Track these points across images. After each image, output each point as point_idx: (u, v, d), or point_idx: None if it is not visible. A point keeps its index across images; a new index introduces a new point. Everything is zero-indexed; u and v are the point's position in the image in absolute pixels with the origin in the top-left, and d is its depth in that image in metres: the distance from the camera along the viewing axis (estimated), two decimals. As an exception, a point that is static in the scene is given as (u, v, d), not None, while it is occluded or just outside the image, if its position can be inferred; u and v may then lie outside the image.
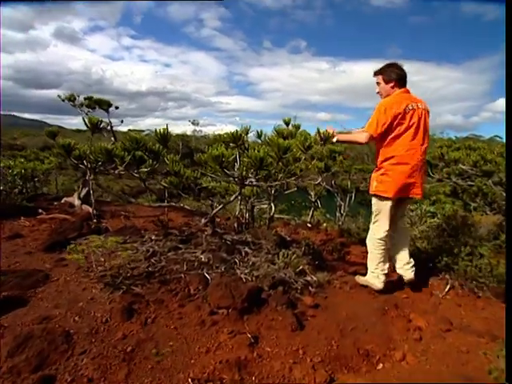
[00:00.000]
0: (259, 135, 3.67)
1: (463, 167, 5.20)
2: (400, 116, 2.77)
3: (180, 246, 3.42)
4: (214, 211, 3.36)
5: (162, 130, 2.83)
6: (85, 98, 5.43)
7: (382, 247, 3.00)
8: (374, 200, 3.01)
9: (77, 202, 5.29)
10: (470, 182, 5.63)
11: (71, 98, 5.30)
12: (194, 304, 2.45)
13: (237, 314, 2.35)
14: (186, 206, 4.03)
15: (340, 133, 3.09)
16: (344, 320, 2.54)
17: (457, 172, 5.35)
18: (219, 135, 3.78)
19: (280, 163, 2.84)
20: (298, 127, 3.50)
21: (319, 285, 3.08)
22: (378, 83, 3.02)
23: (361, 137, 2.90)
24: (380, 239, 2.98)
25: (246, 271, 3.00)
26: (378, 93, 3.05)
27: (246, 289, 2.47)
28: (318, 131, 2.93)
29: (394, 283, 3.17)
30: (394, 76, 2.90)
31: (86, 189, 5.22)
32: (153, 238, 3.65)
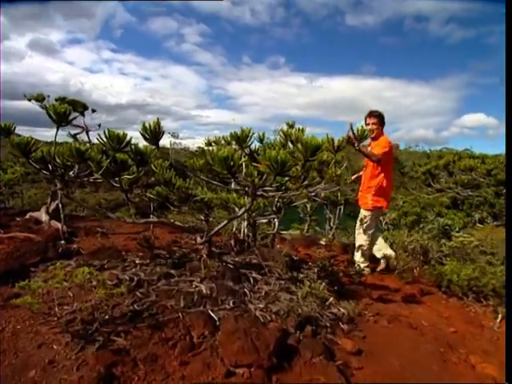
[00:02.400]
0: (261, 139, 3.04)
1: (475, 176, 4.72)
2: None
3: (172, 272, 2.65)
4: (217, 228, 2.62)
5: (152, 125, 2.10)
6: (56, 99, 4.60)
7: None
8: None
9: (44, 218, 4.38)
10: (470, 193, 5.19)
11: (39, 98, 4.44)
12: (200, 360, 1.70)
13: (263, 373, 1.62)
14: (177, 222, 3.28)
15: None
16: (399, 372, 1.86)
17: (465, 181, 4.89)
18: (221, 136, 3.11)
19: (304, 168, 2.19)
20: (303, 131, 2.88)
21: (350, 319, 2.40)
22: (374, 124, 3.53)
23: (375, 155, 3.37)
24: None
25: (261, 305, 2.28)
26: (370, 130, 3.37)
27: (273, 337, 1.74)
28: (352, 129, 2.37)
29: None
30: (383, 122, 3.61)
31: (56, 202, 4.33)
32: (137, 261, 2.85)
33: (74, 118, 2.26)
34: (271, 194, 2.38)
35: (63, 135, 4.66)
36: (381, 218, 4.93)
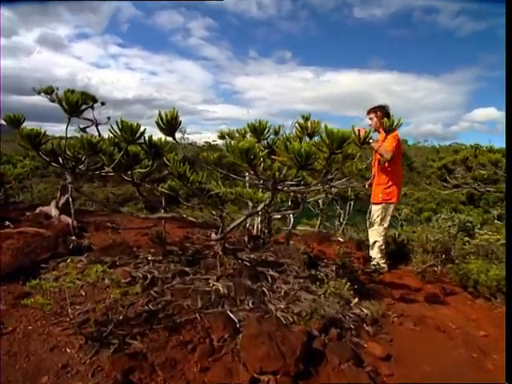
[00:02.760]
0: (276, 132, 2.91)
1: (497, 171, 4.54)
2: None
3: (186, 269, 2.54)
4: (234, 224, 2.50)
5: (168, 114, 1.98)
6: (66, 92, 4.49)
7: None
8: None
9: (54, 213, 4.29)
10: (489, 188, 5.00)
11: (48, 91, 4.34)
12: (222, 366, 1.58)
13: (290, 381, 1.51)
14: (189, 217, 3.17)
15: None
16: (432, 379, 1.73)
17: (485, 176, 4.71)
18: (235, 129, 2.98)
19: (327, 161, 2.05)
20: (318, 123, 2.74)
21: (374, 320, 2.27)
22: (371, 119, 3.58)
23: (387, 152, 3.35)
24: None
25: (282, 306, 2.16)
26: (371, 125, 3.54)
27: (299, 341, 1.63)
28: (356, 130, 2.24)
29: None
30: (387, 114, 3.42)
31: (66, 196, 4.25)
32: (149, 258, 2.75)
33: (86, 109, 2.15)
34: (292, 188, 2.25)
35: (71, 131, 4.56)
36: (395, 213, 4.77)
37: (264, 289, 2.32)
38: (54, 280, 1.96)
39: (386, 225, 3.62)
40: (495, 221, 5.20)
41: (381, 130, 3.46)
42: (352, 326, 2.11)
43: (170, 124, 2.00)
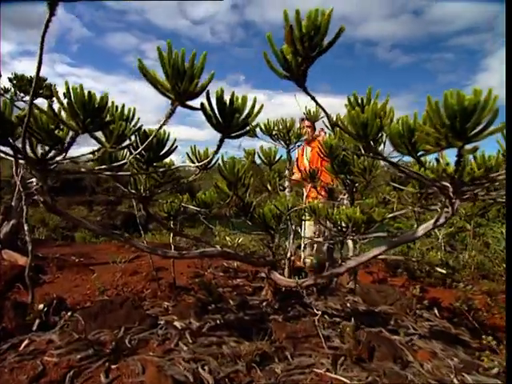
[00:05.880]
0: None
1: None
2: None
3: (267, 350, 1.36)
4: (360, 259, 1.41)
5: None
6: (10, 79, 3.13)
7: None
8: None
9: (-9, 247, 2.85)
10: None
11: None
12: None
13: None
14: (228, 249, 2.00)
15: None
16: None
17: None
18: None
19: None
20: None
21: None
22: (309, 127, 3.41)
23: None
24: None
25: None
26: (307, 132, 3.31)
27: None
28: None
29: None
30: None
31: (11, 222, 2.83)
32: (178, 324, 1.53)
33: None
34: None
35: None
36: (439, 235, 3.88)
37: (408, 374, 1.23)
38: None
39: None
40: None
41: (313, 142, 3.45)
42: None
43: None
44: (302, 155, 3.64)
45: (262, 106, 1.05)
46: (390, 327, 1.62)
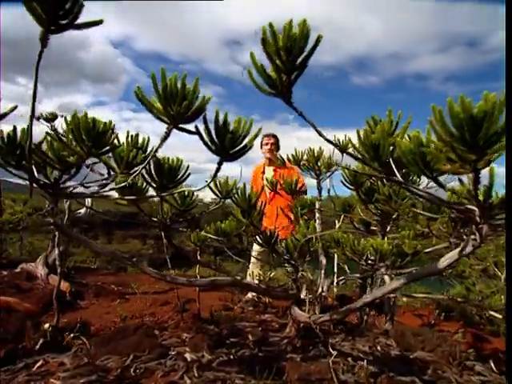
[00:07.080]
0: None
1: None
2: None
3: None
4: (384, 290, 1.28)
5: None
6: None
7: None
8: None
9: (41, 271, 3.07)
10: None
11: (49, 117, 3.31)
12: None
13: None
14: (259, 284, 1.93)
15: None
16: None
17: None
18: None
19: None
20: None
21: None
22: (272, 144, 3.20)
23: None
24: None
25: None
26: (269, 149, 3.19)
27: None
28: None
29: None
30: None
31: (61, 248, 3.05)
32: (198, 358, 1.46)
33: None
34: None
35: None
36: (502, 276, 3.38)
37: None
38: None
39: None
40: None
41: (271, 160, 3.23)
42: None
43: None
44: (263, 173, 3.26)
45: (260, 129, 1.04)
46: (427, 377, 1.39)
